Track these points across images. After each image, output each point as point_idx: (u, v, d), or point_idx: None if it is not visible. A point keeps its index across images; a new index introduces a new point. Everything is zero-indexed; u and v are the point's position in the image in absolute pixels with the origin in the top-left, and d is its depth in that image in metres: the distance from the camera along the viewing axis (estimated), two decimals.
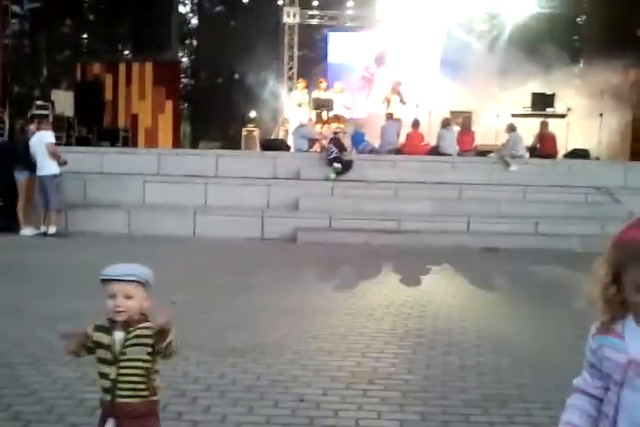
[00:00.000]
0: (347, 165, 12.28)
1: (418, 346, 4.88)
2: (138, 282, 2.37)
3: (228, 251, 9.49)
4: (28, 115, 12.59)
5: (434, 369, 4.32)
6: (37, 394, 3.75)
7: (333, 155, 12.37)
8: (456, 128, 14.47)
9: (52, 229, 10.41)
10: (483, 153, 13.98)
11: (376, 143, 14.22)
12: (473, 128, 15.01)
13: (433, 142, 14.35)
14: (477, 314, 5.96)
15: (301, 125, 14.34)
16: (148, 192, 11.89)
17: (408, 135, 14.30)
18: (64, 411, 3.53)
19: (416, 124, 14.44)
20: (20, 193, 10.80)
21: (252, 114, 24.04)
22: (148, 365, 2.35)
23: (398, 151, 13.96)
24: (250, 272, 7.89)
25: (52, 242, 9.96)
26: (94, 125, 17.43)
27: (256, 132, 18.37)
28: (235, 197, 11.58)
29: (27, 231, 10.56)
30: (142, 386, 2.37)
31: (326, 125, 15.83)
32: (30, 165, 10.55)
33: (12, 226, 10.72)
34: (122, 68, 20.63)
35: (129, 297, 2.34)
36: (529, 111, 16.08)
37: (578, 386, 1.74)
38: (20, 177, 10.77)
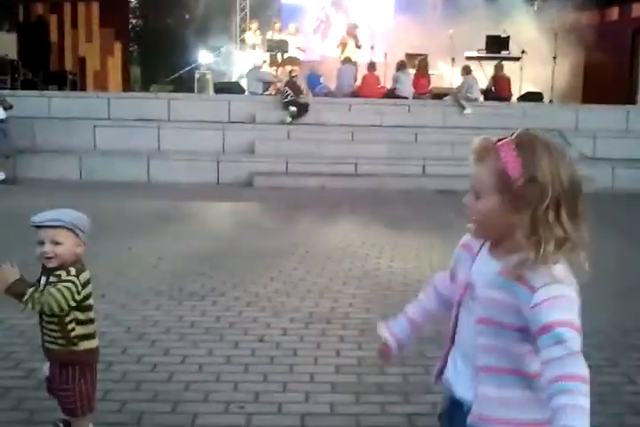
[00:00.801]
0: (302, 109, 12.15)
1: (375, 286, 4.97)
2: (66, 228, 2.33)
3: (183, 196, 9.40)
4: None
5: (391, 308, 4.40)
6: None
7: (289, 98, 12.21)
8: (412, 71, 14.37)
9: (1, 176, 10.13)
10: (438, 96, 13.95)
11: (332, 86, 14.06)
12: (429, 71, 14.92)
13: (389, 85, 14.25)
14: (433, 254, 6.05)
15: (256, 68, 14.06)
16: (99, 137, 11.61)
17: (364, 78, 14.15)
18: (21, 357, 3.51)
19: (372, 66, 14.27)
20: None
21: (204, 56, 23.43)
22: (61, 313, 2.32)
23: (354, 94, 13.84)
24: (206, 217, 7.84)
25: (1, 188, 9.71)
26: (40, 69, 16.78)
27: (209, 75, 17.95)
28: (189, 142, 11.39)
29: None
30: (58, 334, 2.37)
31: (281, 68, 15.55)
32: None
33: None
34: (67, 8, 19.72)
35: (57, 243, 2.32)
36: (483, 54, 16.02)
37: (434, 279, 1.80)
38: None
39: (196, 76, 18.14)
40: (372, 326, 4.07)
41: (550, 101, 15.02)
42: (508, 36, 16.04)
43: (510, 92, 14.42)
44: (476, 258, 1.57)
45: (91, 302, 2.39)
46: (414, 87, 13.96)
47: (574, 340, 1.36)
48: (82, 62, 19.55)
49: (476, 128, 11.89)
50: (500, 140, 1.48)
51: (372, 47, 15.85)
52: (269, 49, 15.82)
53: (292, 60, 15.38)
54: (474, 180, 1.51)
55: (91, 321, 2.40)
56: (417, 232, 7.27)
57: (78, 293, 2.28)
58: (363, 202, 9.17)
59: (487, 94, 14.15)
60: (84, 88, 18.12)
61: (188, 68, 19.61)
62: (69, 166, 10.87)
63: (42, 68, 16.84)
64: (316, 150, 11.21)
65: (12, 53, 16.36)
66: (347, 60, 14.69)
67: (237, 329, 3.98)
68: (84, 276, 2.33)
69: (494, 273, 1.47)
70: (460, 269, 1.61)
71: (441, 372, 1.66)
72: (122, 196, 9.21)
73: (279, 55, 15.81)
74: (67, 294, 2.24)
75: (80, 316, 2.36)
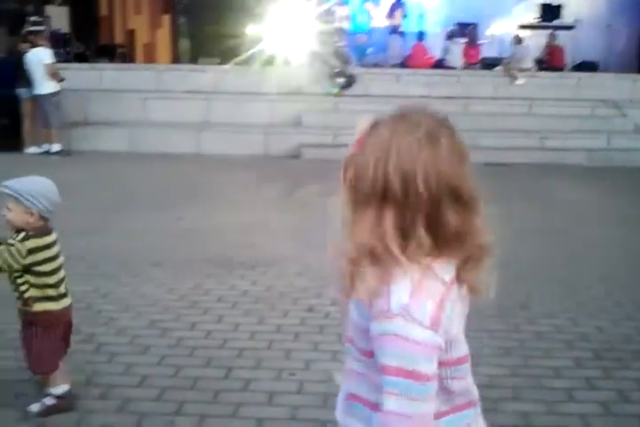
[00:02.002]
0: (350, 80, 12.06)
1: None
2: (13, 196, 2.50)
3: (232, 167, 9.47)
4: (23, 31, 12.22)
5: None
6: None
7: (336, 69, 12.13)
8: (462, 40, 14.10)
9: (55, 147, 10.35)
10: (489, 66, 13.67)
11: (380, 57, 13.90)
12: (479, 40, 14.61)
13: (438, 55, 14.02)
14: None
15: (304, 38, 13.96)
16: (149, 109, 11.73)
17: (413, 48, 13.95)
18: (81, 321, 3.63)
19: (421, 36, 14.05)
20: (24, 111, 10.68)
21: (253, 28, 23.36)
22: (14, 274, 2.54)
23: (403, 65, 13.67)
24: (254, 189, 7.90)
25: (56, 160, 9.94)
26: (90, 42, 16.99)
27: (258, 47, 17.91)
28: (238, 114, 11.43)
29: (31, 150, 10.50)
30: (16, 294, 2.61)
31: (329, 38, 15.40)
32: (31, 83, 10.37)
33: (16, 145, 10.67)
34: None
35: (9, 209, 2.51)
36: (536, 22, 15.60)
37: None
38: (23, 95, 10.61)
39: (245, 47, 18.13)
40: None
41: (605, 71, 14.59)
42: (561, 4, 15.59)
43: (564, 61, 14.05)
44: None
45: (46, 268, 2.56)
46: (464, 57, 13.72)
47: (398, 396, 1.09)
48: (131, 35, 19.72)
49: (527, 99, 11.66)
50: None
51: (422, 17, 15.57)
52: (317, 19, 15.67)
53: (340, 31, 15.22)
54: None
55: (48, 286, 2.57)
56: None
57: (22, 257, 2.47)
58: None
59: (540, 64, 13.81)
60: (133, 61, 18.29)
61: (236, 42, 19.59)
62: (120, 138, 11.04)
63: (93, 41, 17.04)
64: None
65: (65, 27, 16.57)
66: (394, 30, 14.50)
67: (287, 298, 4.04)
68: (35, 242, 2.50)
69: None
70: None
71: None
72: (171, 167, 9.33)
73: (328, 26, 15.66)
74: (5, 255, 2.44)
75: (32, 280, 2.55)
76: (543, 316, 3.84)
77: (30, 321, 2.60)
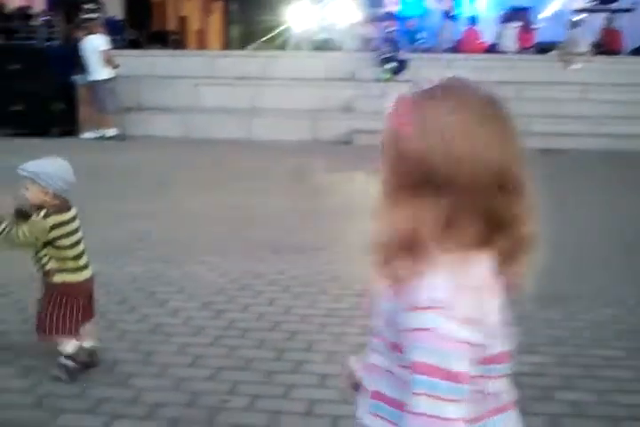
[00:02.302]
0: (401, 65, 11.96)
1: None
2: (28, 177, 2.71)
3: (283, 153, 9.52)
4: (79, 18, 12.46)
5: None
6: (110, 287, 3.96)
7: (386, 54, 12.04)
8: (515, 24, 13.82)
9: (111, 132, 10.58)
10: (543, 50, 13.38)
11: (431, 41, 13.74)
12: (534, 24, 14.31)
13: (491, 40, 13.79)
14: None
15: (354, 24, 13.90)
16: (201, 95, 11.87)
17: (465, 33, 13.75)
18: (136, 303, 3.73)
19: (473, 20, 13.83)
20: (80, 97, 10.93)
21: (302, 14, 23.30)
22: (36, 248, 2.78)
23: (454, 50, 13.48)
24: (307, 175, 7.94)
25: (111, 145, 10.15)
26: (144, 29, 17.23)
27: (307, 33, 17.89)
28: (288, 100, 11.47)
29: (87, 135, 10.75)
30: (38, 266, 2.84)
31: (379, 23, 15.29)
32: (87, 70, 10.59)
33: (73, 130, 10.94)
34: None
35: (27, 189, 2.74)
36: (593, 5, 15.18)
37: None
38: (79, 81, 10.85)
39: (294, 33, 18.13)
40: None
41: None
42: None
43: (621, 45, 13.65)
44: None
45: (66, 242, 2.78)
46: (518, 41, 13.45)
47: (427, 397, 1.00)
48: (183, 21, 19.93)
49: (583, 84, 11.39)
50: None
51: (474, 0, 15.31)
52: (367, 4, 15.58)
53: (391, 16, 15.10)
54: None
55: (68, 259, 2.79)
56: None
57: (46, 232, 2.70)
58: None
59: (596, 48, 13.46)
60: (184, 47, 18.49)
61: (284, 27, 19.59)
62: (173, 124, 11.21)
63: (146, 28, 17.28)
64: None
65: (119, 14, 16.84)
66: (446, 14, 14.30)
67: (339, 283, 4.06)
68: (55, 219, 2.73)
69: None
70: None
71: None
72: (222, 152, 9.44)
73: (377, 10, 15.54)
74: (26, 233, 2.67)
75: (53, 253, 2.77)
76: (600, 305, 3.78)
77: (50, 291, 2.82)
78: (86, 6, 14.88)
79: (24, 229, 2.67)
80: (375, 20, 15.42)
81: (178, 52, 14.98)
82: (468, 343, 1.00)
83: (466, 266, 1.04)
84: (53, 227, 2.72)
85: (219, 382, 2.85)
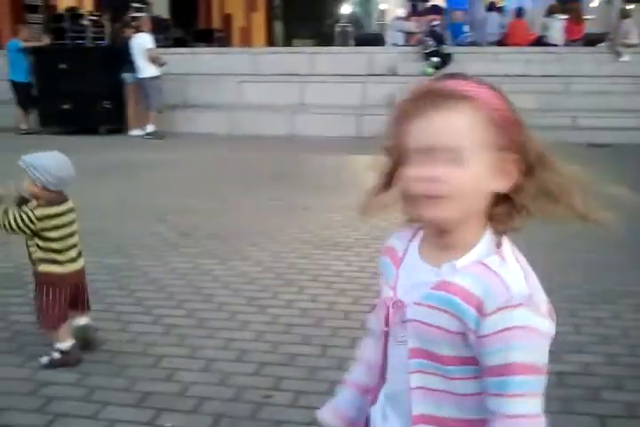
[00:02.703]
0: (445, 59, 11.84)
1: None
2: (23, 168, 2.82)
3: (326, 149, 9.53)
4: (126, 17, 12.67)
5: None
6: (157, 282, 4.02)
7: (431, 48, 11.93)
8: (563, 16, 13.55)
9: (149, 129, 10.70)
10: (592, 42, 13.09)
11: (476, 35, 13.56)
12: (582, 15, 14.00)
13: (538, 32, 13.54)
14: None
15: (397, 18, 13.80)
16: (245, 92, 11.95)
17: (511, 25, 13.53)
18: (182, 298, 3.78)
19: (520, 13, 13.59)
20: (128, 95, 11.11)
21: (345, 9, 23.28)
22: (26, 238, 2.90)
23: (501, 43, 13.28)
24: (349, 170, 7.93)
25: (156, 142, 10.30)
26: (189, 27, 17.42)
27: (350, 28, 17.87)
28: (331, 95, 11.46)
29: (134, 132, 10.93)
30: (28, 254, 2.96)
31: (422, 18, 15.16)
32: (135, 68, 10.76)
33: (121, 128, 11.14)
34: None
35: (25, 180, 2.85)
36: None
37: (368, 322, 1.24)
38: (127, 79, 11.03)
39: (337, 28, 18.12)
40: None
41: None
42: None
43: None
44: (402, 264, 1.12)
45: (53, 234, 2.85)
46: (566, 33, 13.18)
47: (528, 397, 0.99)
48: (227, 19, 20.07)
49: (633, 77, 11.11)
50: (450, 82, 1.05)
51: None
52: None
53: (435, 9, 14.95)
54: (443, 138, 1.00)
55: (54, 251, 2.86)
56: None
57: (32, 222, 2.78)
58: None
59: None
60: (229, 44, 18.63)
61: (330, 23, 19.59)
62: (218, 121, 11.31)
63: (191, 26, 17.46)
64: None
65: (164, 13, 17.06)
66: (492, 7, 14.09)
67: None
68: (43, 211, 2.81)
69: (427, 285, 1.05)
70: (382, 285, 1.14)
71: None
72: (267, 148, 9.49)
73: (420, 4, 15.41)
74: (16, 219, 2.77)
75: (40, 243, 2.86)
76: None
77: (37, 280, 2.93)
78: (134, 5, 15.13)
79: (15, 216, 2.79)
80: (419, 13, 15.31)
81: (222, 49, 15.10)
82: (550, 336, 1.01)
83: (516, 250, 1.05)
84: (40, 219, 2.80)
85: (262, 378, 2.87)
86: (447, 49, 12.18)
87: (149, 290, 3.90)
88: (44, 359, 2.96)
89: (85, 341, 3.05)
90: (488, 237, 1.05)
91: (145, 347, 3.16)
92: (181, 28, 17.06)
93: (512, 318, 0.98)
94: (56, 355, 2.95)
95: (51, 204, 2.85)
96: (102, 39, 15.07)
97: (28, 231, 2.82)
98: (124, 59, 10.77)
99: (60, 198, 2.90)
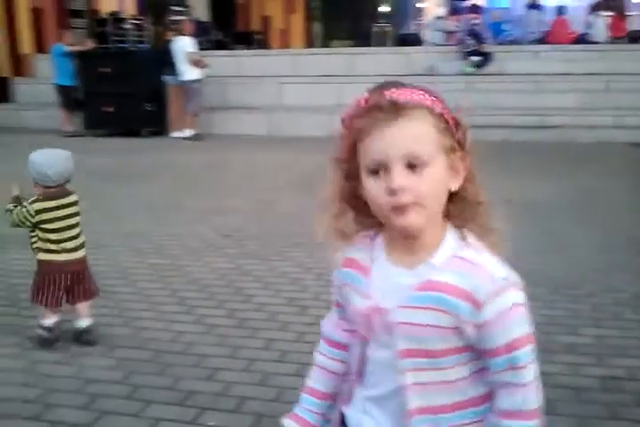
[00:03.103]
0: (485, 58, 11.74)
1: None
2: None
3: None
4: (167, 21, 12.86)
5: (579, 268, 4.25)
6: (199, 282, 4.07)
7: (470, 47, 11.84)
8: (607, 13, 13.32)
9: (187, 133, 10.83)
10: (636, 39, 12.84)
11: (517, 33, 13.41)
12: (627, 12, 13.75)
13: (580, 30, 13.33)
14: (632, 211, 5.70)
15: (437, 17, 13.73)
16: (285, 93, 12.02)
17: (553, 23, 13.35)
18: (223, 298, 3.83)
19: (561, 10, 13.40)
20: (170, 98, 11.27)
21: (383, 9, 23.24)
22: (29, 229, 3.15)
23: (542, 41, 13.11)
24: None
25: (197, 144, 10.42)
26: (229, 29, 17.58)
27: (388, 28, 17.82)
28: None
29: (176, 134, 11.07)
30: (30, 244, 3.23)
31: (462, 16, 15.05)
32: (176, 70, 10.89)
33: (163, 130, 11.30)
34: None
35: None
36: None
37: (323, 332, 1.33)
38: (169, 82, 11.18)
39: (375, 29, 18.09)
40: (564, 283, 3.93)
41: None
42: None
43: None
44: (372, 272, 1.15)
45: (51, 226, 3.07)
46: (609, 31, 12.96)
47: (532, 364, 1.10)
48: (266, 21, 20.18)
49: None
50: (390, 91, 1.09)
51: None
52: None
53: (475, 8, 14.82)
54: (402, 146, 1.04)
55: (50, 241, 3.08)
56: (609, 186, 6.83)
57: (31, 215, 3.02)
58: (548, 156, 8.76)
59: None
60: (269, 46, 18.74)
61: (368, 24, 19.58)
62: (258, 123, 11.40)
63: (231, 28, 17.61)
64: (499, 102, 10.82)
65: (205, 16, 17.24)
66: (533, 5, 13.92)
67: None
68: (40, 205, 3.03)
69: (409, 287, 1.09)
70: (352, 295, 1.17)
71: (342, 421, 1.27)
72: (306, 149, 9.52)
73: (459, 3, 15.30)
74: (17, 214, 3.03)
75: (40, 234, 3.10)
76: None
77: (37, 266, 3.17)
78: (174, 8, 15.34)
79: (17, 211, 3.03)
80: (459, 12, 15.21)
81: (262, 51, 15.22)
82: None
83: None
84: (38, 211, 3.03)
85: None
86: (487, 48, 12.08)
87: (191, 290, 3.96)
88: (37, 340, 3.19)
89: (81, 341, 3.21)
90: (452, 233, 1.11)
91: (187, 346, 3.20)
92: (221, 30, 17.22)
93: (505, 301, 1.06)
94: (43, 333, 3.18)
95: (49, 198, 3.06)
96: (144, 42, 15.29)
97: (28, 224, 3.06)
98: (165, 62, 10.92)
99: (58, 193, 3.10)
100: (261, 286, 4.00)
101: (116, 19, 15.97)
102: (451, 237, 1.11)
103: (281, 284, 4.04)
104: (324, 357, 1.31)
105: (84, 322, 3.21)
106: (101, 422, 2.55)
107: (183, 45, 10.72)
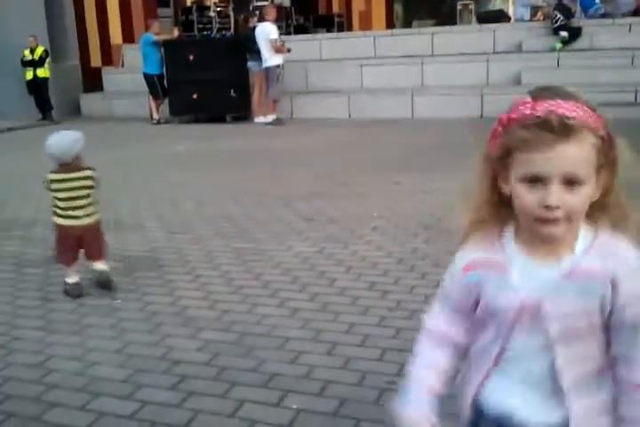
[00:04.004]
0: (574, 33, 11.26)
1: None
2: None
3: (447, 131, 9.36)
4: (250, 7, 12.96)
5: None
6: (282, 266, 4.12)
7: (559, 22, 11.38)
8: None
9: (269, 118, 10.92)
10: None
11: (609, 6, 12.79)
12: None
13: None
14: None
15: None
16: (366, 76, 11.93)
17: None
18: (306, 281, 3.85)
19: None
20: (253, 84, 11.40)
21: None
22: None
23: (636, 13, 12.46)
24: (468, 152, 7.76)
25: (279, 129, 10.50)
26: (310, 13, 17.57)
27: (471, 5, 17.37)
28: (452, 76, 11.23)
29: (259, 119, 11.20)
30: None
31: None
32: (260, 56, 10.99)
33: (246, 115, 11.45)
34: None
35: None
36: None
37: (432, 333, 1.36)
38: (253, 68, 11.31)
39: (458, 7, 17.67)
40: None
41: None
42: None
43: None
44: (512, 269, 1.21)
45: (60, 195, 3.65)
46: None
47: None
48: (347, 4, 20.05)
49: None
50: (551, 102, 1.12)
51: None
52: None
53: None
54: (565, 165, 1.09)
55: (59, 207, 3.68)
56: None
57: (48, 183, 3.65)
58: None
59: None
60: (350, 29, 18.63)
61: (449, 2, 19.16)
62: (339, 105, 11.38)
63: (311, 12, 17.60)
64: (590, 78, 10.37)
65: (286, 1, 17.29)
66: None
67: None
68: (52, 176, 3.64)
69: (557, 277, 1.17)
70: (494, 293, 1.23)
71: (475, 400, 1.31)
72: (387, 131, 9.44)
73: None
74: (43, 182, 3.69)
75: (55, 201, 3.69)
76: None
77: (55, 228, 3.77)
78: None
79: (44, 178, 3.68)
80: None
81: (343, 34, 15.14)
82: None
83: None
84: (52, 181, 3.64)
85: (386, 364, 2.88)
86: (576, 22, 11.59)
87: (274, 273, 4.00)
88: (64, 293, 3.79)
89: (98, 281, 3.82)
90: (586, 227, 1.19)
91: (270, 329, 3.24)
92: (303, 14, 17.24)
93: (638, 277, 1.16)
94: (65, 286, 3.78)
95: (60, 171, 3.65)
96: (227, 29, 15.49)
97: (49, 191, 3.68)
98: (249, 48, 11.03)
99: (67, 168, 3.64)
100: (344, 270, 4.01)
101: (200, 7, 16.24)
102: (587, 230, 1.19)
103: (362, 268, 4.03)
104: (434, 354, 1.35)
105: (97, 267, 3.82)
106: (188, 402, 2.62)
107: (266, 32, 10.78)
